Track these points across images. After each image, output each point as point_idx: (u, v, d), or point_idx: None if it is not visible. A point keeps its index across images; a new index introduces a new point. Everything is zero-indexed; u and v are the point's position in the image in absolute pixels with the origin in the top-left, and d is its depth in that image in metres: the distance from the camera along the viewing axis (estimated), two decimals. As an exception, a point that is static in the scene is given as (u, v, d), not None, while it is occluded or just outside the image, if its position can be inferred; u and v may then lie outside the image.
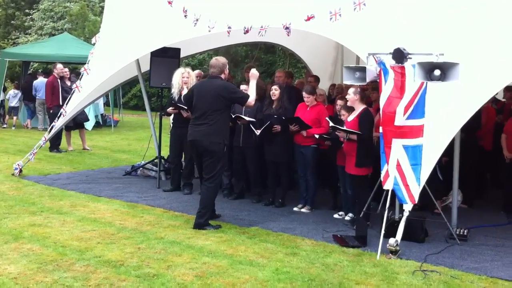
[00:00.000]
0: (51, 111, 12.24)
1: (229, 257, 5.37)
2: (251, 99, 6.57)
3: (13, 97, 17.32)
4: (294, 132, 7.42)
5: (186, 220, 6.73)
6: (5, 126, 17.19)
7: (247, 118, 7.47)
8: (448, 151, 6.03)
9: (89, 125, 16.52)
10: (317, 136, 7.16)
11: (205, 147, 6.43)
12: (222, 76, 6.64)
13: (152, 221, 6.64)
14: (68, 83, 12.37)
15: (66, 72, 12.69)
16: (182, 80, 8.15)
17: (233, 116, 7.64)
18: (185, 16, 7.83)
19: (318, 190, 7.76)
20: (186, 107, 8.03)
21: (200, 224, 6.36)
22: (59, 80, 12.48)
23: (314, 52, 12.38)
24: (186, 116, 8.10)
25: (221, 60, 6.71)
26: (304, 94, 7.50)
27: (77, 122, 11.96)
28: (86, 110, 12.55)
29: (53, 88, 12.41)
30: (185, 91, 7.86)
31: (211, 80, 6.66)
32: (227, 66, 6.77)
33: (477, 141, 8.11)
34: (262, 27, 6.97)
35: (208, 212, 6.50)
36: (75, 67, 16.46)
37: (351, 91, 6.74)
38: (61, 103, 11.73)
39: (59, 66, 12.85)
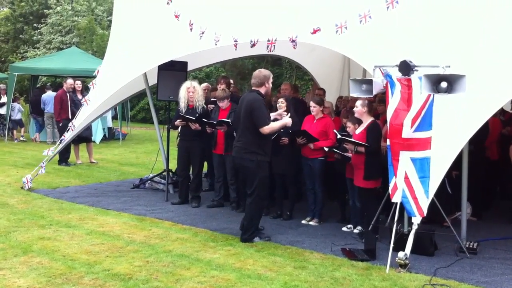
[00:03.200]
0: (60, 124, 12.30)
1: (237, 270, 5.36)
2: (266, 128, 6.31)
3: (12, 110, 17.36)
4: (301, 145, 7.42)
5: (194, 233, 6.73)
6: (16, 140, 17.26)
7: None
8: (457, 164, 6.00)
9: (97, 138, 16.63)
10: (326, 149, 7.14)
11: (239, 164, 6.59)
12: (263, 88, 6.52)
13: (160, 234, 6.65)
14: (80, 96, 12.42)
15: (78, 86, 12.77)
16: (188, 94, 8.19)
17: None
18: (191, 29, 7.89)
19: (326, 203, 7.75)
20: (193, 119, 8.09)
21: (245, 240, 6.40)
22: (68, 94, 12.60)
23: (320, 65, 12.43)
24: (194, 128, 8.13)
25: (264, 72, 6.60)
26: (311, 103, 7.50)
27: (82, 137, 11.99)
28: (94, 123, 12.61)
29: (62, 102, 12.52)
30: (198, 103, 8.20)
31: (247, 94, 6.65)
32: (271, 79, 6.63)
33: (485, 153, 8.07)
34: (268, 40, 7.00)
35: (254, 227, 6.47)
36: (83, 80, 16.59)
37: (358, 103, 6.74)
38: (70, 117, 11.85)
39: (69, 81, 12.98)
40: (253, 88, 6.60)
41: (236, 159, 6.57)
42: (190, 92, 8.19)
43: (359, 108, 6.73)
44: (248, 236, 6.42)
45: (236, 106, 8.27)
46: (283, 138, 7.41)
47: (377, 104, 7.76)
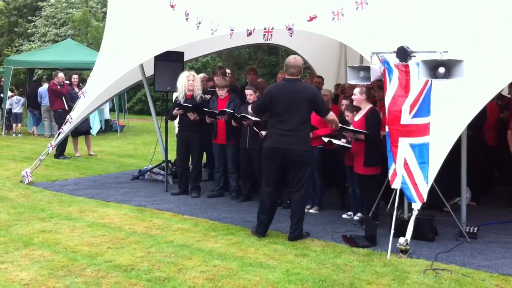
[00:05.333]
0: (57, 113, 12.37)
1: (239, 259, 5.38)
2: (329, 115, 6.21)
3: (15, 103, 17.36)
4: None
5: (195, 223, 6.75)
6: (14, 134, 17.24)
7: (253, 118, 7.47)
8: (455, 149, 6.00)
9: (94, 130, 16.61)
10: (326, 140, 7.12)
11: (297, 156, 6.01)
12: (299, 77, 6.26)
13: (161, 225, 6.66)
14: (77, 89, 12.41)
15: (74, 79, 12.74)
16: (188, 83, 8.19)
17: (238, 116, 7.65)
18: (187, 19, 7.85)
19: (326, 191, 7.76)
20: (191, 106, 8.06)
21: (296, 237, 6.07)
22: (59, 87, 12.68)
23: (317, 52, 12.39)
24: (193, 118, 8.12)
25: (300, 60, 6.26)
26: None
27: (81, 131, 12.02)
28: (91, 115, 12.61)
29: (54, 93, 12.61)
30: (197, 92, 8.12)
31: (295, 83, 6.13)
32: None
33: (483, 138, 8.09)
34: (265, 28, 6.98)
35: (302, 222, 6.17)
36: (80, 73, 16.60)
37: (357, 90, 6.74)
38: (66, 108, 11.91)
39: (61, 75, 13.00)
40: (293, 78, 6.15)
41: (293, 152, 5.99)
42: (190, 80, 8.20)
43: (357, 96, 6.72)
44: (299, 233, 6.10)
45: (234, 96, 8.28)
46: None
47: (376, 90, 7.74)
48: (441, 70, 5.40)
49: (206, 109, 8.09)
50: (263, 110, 6.50)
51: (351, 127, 6.70)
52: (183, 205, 7.78)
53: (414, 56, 5.66)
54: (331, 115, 6.26)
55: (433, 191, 5.96)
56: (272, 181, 6.22)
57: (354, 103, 6.83)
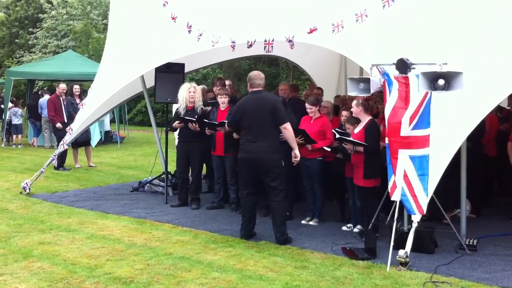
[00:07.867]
0: (56, 126, 12.44)
1: (238, 271, 5.36)
2: (287, 125, 6.49)
3: (13, 115, 17.36)
4: (299, 145, 7.39)
5: (194, 235, 6.73)
6: (14, 145, 17.25)
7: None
8: (455, 161, 6.00)
9: (93, 141, 16.61)
10: (328, 150, 7.12)
11: (267, 164, 6.41)
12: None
13: (160, 237, 6.65)
14: (78, 100, 12.44)
15: (76, 90, 12.77)
16: (189, 95, 8.21)
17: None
18: (189, 31, 7.89)
19: (326, 202, 7.75)
20: (194, 119, 8.08)
21: (284, 241, 6.41)
22: (61, 98, 12.73)
23: (317, 64, 12.44)
24: (194, 128, 8.13)
25: (262, 74, 6.71)
26: (307, 105, 7.50)
27: (81, 142, 12.04)
28: (91, 126, 12.65)
29: (55, 106, 12.67)
30: (198, 104, 8.21)
31: (261, 94, 6.61)
32: None
33: (482, 149, 8.09)
34: (265, 40, 7.01)
35: (286, 226, 6.57)
36: (81, 84, 16.65)
37: (353, 103, 6.77)
38: (66, 120, 11.96)
39: (62, 85, 13.19)
40: (260, 89, 6.61)
41: (264, 160, 6.39)
42: (191, 92, 8.23)
43: (354, 108, 6.76)
44: (286, 236, 6.47)
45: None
46: (280, 135, 7.37)
47: (378, 101, 7.74)
48: (441, 82, 5.42)
49: (206, 120, 8.11)
50: (236, 124, 6.77)
51: (351, 139, 6.70)
52: (183, 217, 7.77)
53: (414, 68, 5.68)
54: (285, 126, 6.47)
55: (432, 203, 5.95)
56: (250, 183, 6.60)
57: (353, 115, 6.84)
